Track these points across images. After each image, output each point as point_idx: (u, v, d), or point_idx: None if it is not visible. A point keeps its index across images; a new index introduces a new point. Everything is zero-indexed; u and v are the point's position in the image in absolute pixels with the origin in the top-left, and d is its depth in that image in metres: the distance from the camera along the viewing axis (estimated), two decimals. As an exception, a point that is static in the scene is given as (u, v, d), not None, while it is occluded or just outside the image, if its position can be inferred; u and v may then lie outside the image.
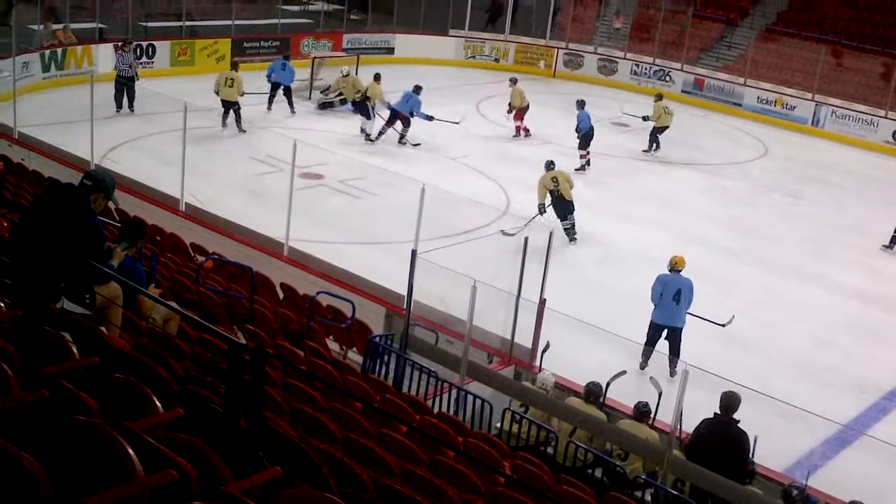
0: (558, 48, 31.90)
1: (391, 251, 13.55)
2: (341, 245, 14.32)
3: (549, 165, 16.85)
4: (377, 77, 22.06)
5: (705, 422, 8.25)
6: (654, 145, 22.95)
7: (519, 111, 23.18)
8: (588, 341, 11.71)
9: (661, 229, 17.50)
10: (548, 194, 16.44)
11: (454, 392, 9.35)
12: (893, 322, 14.76)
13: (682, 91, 30.08)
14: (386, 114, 21.34)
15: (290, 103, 22.89)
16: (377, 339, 10.11)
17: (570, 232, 16.41)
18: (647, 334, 12.15)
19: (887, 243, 18.10)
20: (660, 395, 9.23)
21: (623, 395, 9.77)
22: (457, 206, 15.96)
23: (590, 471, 8.67)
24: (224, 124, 20.47)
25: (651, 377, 9.35)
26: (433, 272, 10.59)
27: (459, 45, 31.43)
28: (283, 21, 28.76)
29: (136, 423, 4.70)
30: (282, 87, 22.80)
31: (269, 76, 22.99)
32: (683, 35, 31.57)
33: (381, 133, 21.30)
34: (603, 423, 8.89)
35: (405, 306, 10.54)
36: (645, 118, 22.89)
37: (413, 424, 7.53)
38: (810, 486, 8.60)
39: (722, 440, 8.03)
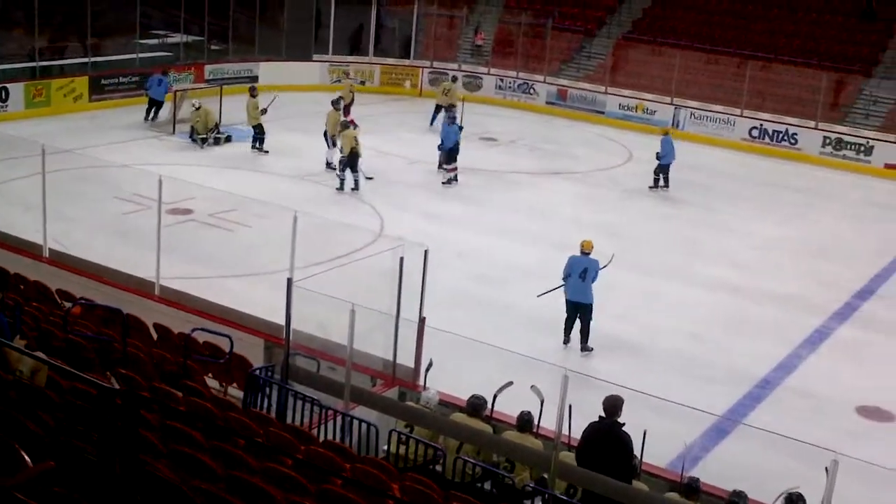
0: (423, 67, 32.17)
1: (267, 282, 13.38)
2: (216, 279, 14.11)
3: (350, 125, 20.19)
4: (336, 103, 21.84)
5: (591, 426, 8.39)
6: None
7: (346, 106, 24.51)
8: (470, 356, 11.81)
9: (537, 240, 17.80)
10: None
11: (339, 418, 9.28)
12: (762, 314, 15.32)
13: (547, 102, 30.66)
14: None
15: (150, 116, 24.55)
16: (257, 371, 9.97)
17: (358, 183, 19.92)
18: (566, 312, 13.52)
19: (652, 185, 21.49)
20: (542, 402, 9.34)
21: (508, 406, 9.85)
22: (331, 231, 15.91)
23: (479, 484, 8.71)
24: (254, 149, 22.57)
25: (532, 385, 9.42)
26: (311, 299, 10.50)
27: (324, 69, 31.35)
28: (141, 55, 28.14)
29: (5, 480, 4.54)
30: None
31: (147, 89, 24.58)
32: (544, 48, 32.20)
33: (452, 177, 21.24)
34: (488, 435, 8.94)
35: (284, 336, 10.41)
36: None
37: (298, 455, 7.46)
38: (692, 475, 8.82)
39: (607, 443, 8.18)
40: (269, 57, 30.72)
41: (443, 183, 21.03)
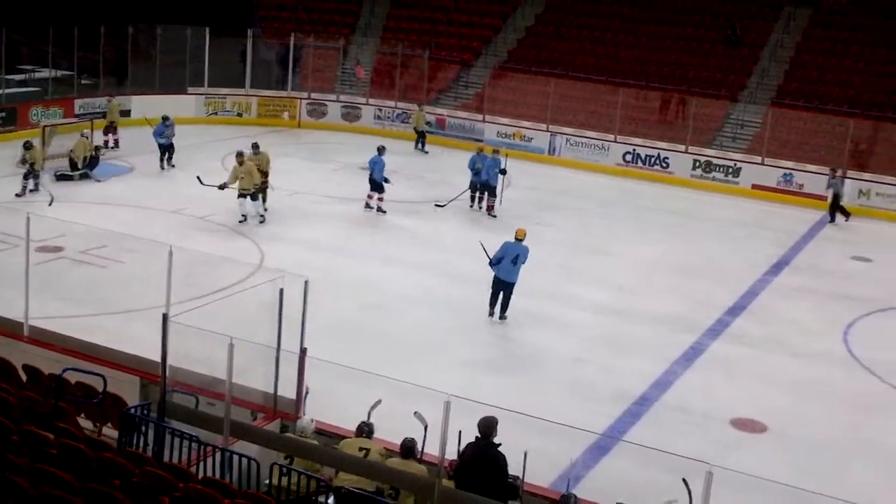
0: (301, 98, 32.05)
1: (143, 318, 13.10)
2: (89, 318, 13.75)
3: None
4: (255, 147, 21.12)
5: (467, 447, 8.45)
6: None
7: (110, 127, 25.84)
8: (354, 385, 11.76)
9: (420, 268, 17.93)
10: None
11: (219, 454, 9.10)
12: (639, 332, 15.68)
13: (427, 131, 30.84)
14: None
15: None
16: (132, 410, 9.71)
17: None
18: (492, 288, 15.55)
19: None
20: (426, 428, 9.35)
21: (392, 433, 9.82)
22: (208, 265, 15.66)
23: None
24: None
25: (416, 412, 9.44)
26: (188, 335, 10.30)
27: (200, 102, 30.95)
28: (7, 91, 27.38)
29: None
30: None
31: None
32: (422, 78, 32.50)
33: (378, 207, 21.59)
34: (371, 462, 8.89)
35: (160, 373, 10.17)
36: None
37: (176, 494, 7.30)
38: (578, 495, 8.93)
39: (483, 464, 8.23)
40: (143, 91, 30.17)
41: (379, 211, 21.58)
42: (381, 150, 21.88)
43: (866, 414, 13.46)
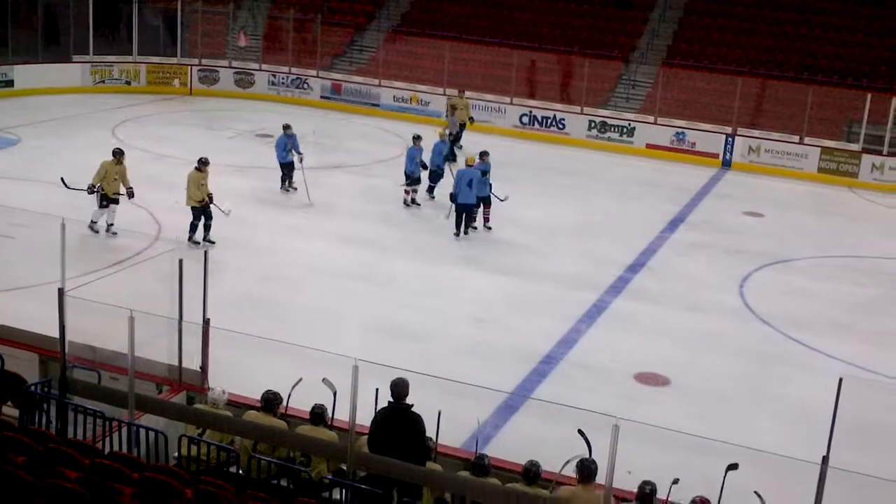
0: (192, 65, 31.29)
1: (39, 294, 12.68)
2: (-20, 296, 13.28)
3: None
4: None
5: (381, 411, 8.42)
6: None
7: None
8: (261, 355, 11.65)
9: (320, 236, 17.79)
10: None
11: (125, 429, 8.92)
12: (541, 292, 15.87)
13: (322, 97, 30.57)
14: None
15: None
16: (32, 388, 9.44)
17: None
18: (455, 213, 18.02)
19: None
20: (335, 394, 9.31)
21: (303, 402, 9.76)
22: (104, 238, 15.30)
23: (275, 481, 8.58)
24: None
25: (324, 378, 9.39)
26: (87, 309, 10.04)
27: (86, 70, 29.94)
28: None
29: None
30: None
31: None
32: (315, 42, 32.07)
33: (412, 199, 20.23)
34: (282, 431, 8.82)
35: (59, 349, 9.90)
36: None
37: (82, 470, 7.13)
38: (489, 454, 9.02)
39: (400, 426, 8.22)
40: (25, 59, 29.07)
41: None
42: (415, 139, 20.22)
43: (764, 363, 13.89)
